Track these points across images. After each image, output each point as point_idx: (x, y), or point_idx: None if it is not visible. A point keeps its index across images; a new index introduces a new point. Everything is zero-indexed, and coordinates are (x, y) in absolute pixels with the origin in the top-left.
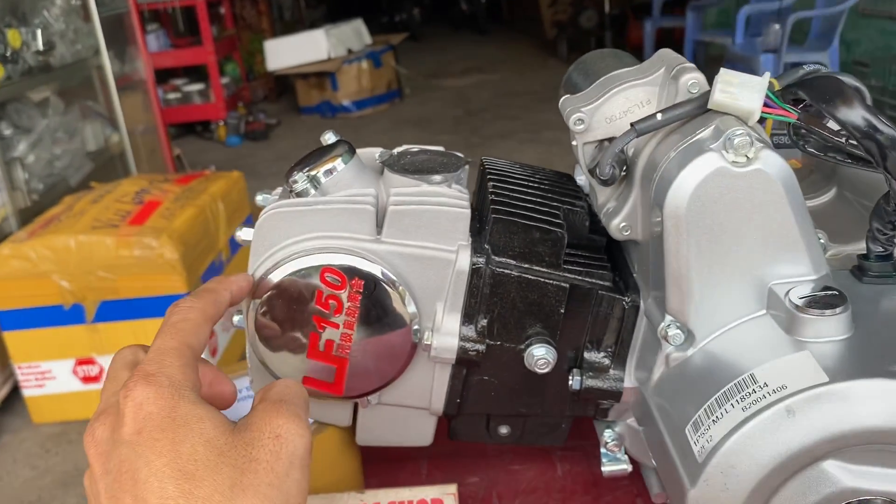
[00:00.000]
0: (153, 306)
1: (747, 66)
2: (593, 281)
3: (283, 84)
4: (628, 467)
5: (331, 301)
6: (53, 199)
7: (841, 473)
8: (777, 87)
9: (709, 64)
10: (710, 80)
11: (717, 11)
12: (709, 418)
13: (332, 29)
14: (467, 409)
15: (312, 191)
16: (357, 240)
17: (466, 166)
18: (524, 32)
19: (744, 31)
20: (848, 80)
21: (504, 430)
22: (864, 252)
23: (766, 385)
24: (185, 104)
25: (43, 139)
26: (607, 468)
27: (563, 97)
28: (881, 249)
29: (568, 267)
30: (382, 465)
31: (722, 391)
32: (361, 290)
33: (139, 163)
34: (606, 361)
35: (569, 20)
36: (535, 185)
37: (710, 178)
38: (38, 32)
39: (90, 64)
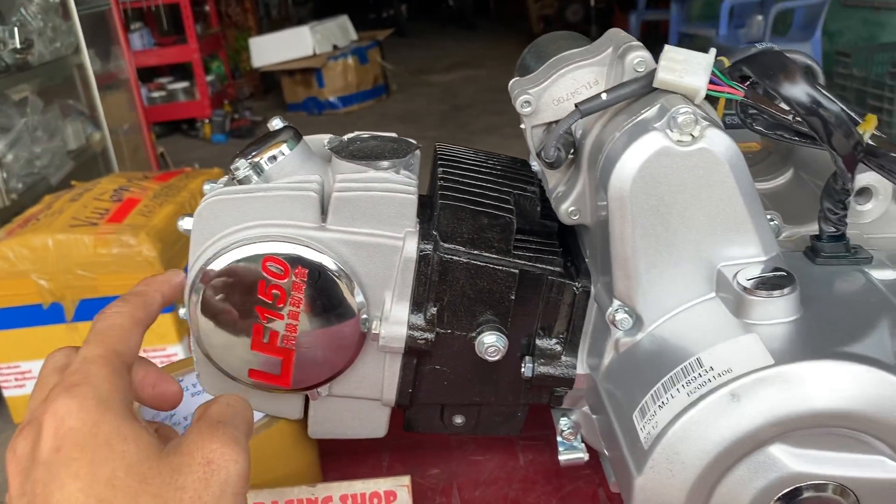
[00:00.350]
0: None
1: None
2: (543, 266)
3: (270, 81)
4: (584, 456)
5: (274, 291)
6: (34, 198)
7: (787, 458)
8: (727, 64)
9: None
10: None
11: (703, 3)
12: (655, 403)
13: (317, 25)
14: (420, 400)
15: (255, 178)
16: (300, 227)
17: (417, 152)
18: (511, 27)
19: (728, 23)
20: (799, 57)
21: (459, 419)
22: (818, 233)
23: (711, 369)
24: (169, 102)
25: (22, 138)
26: (563, 457)
27: (513, 80)
28: (833, 230)
29: (518, 253)
30: (343, 459)
31: (668, 376)
32: (305, 280)
33: (122, 161)
34: (558, 348)
35: (555, 15)
36: (487, 170)
37: (654, 158)
38: (16, 30)
39: (70, 62)
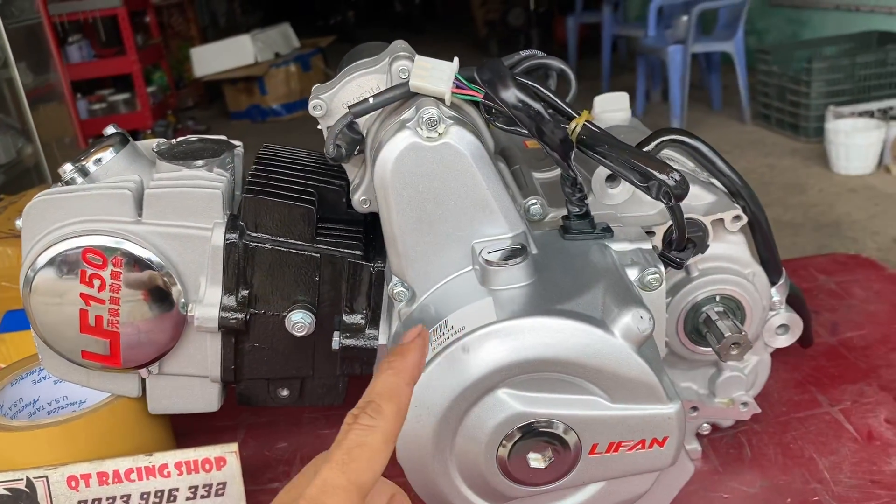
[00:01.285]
0: None
1: (658, 57)
2: (343, 251)
3: (214, 91)
4: None
5: (94, 279)
6: None
7: (512, 400)
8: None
9: (632, 57)
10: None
11: (640, 4)
12: None
13: (258, 34)
14: (245, 375)
15: (80, 179)
16: (117, 222)
17: (238, 151)
18: (458, 31)
19: (656, 24)
20: (555, 63)
21: (284, 392)
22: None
23: (452, 328)
24: (110, 114)
25: None
26: None
27: (314, 86)
28: (577, 210)
29: (321, 239)
30: (199, 438)
31: None
32: (122, 268)
33: (55, 174)
34: (362, 322)
35: (499, 19)
36: (299, 167)
37: (406, 152)
38: None
39: None
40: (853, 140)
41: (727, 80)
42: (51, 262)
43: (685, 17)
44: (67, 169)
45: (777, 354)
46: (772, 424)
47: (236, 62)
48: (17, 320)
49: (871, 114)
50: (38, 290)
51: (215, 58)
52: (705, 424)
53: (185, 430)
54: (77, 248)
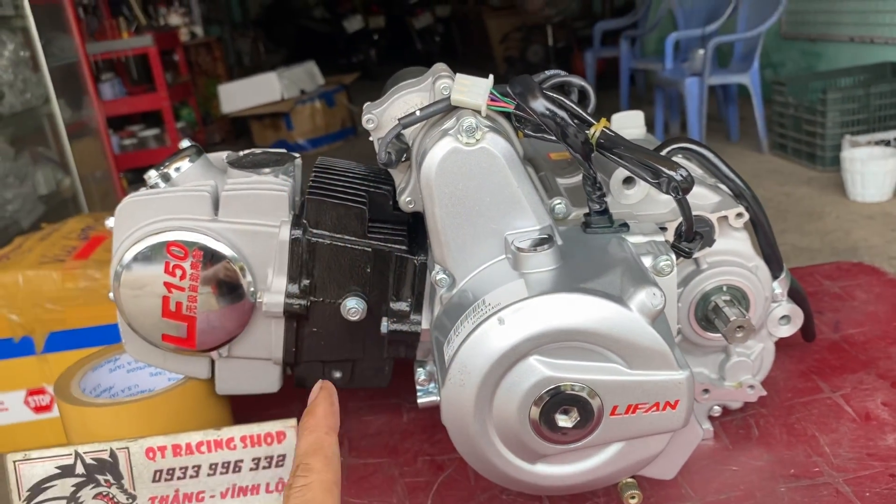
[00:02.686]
0: (100, 335)
1: (675, 89)
2: (391, 246)
3: (241, 126)
4: (437, 398)
5: (177, 269)
6: (5, 240)
7: (542, 366)
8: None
9: (650, 90)
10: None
11: (657, 39)
12: (455, 334)
13: (284, 71)
14: (303, 358)
15: (163, 184)
16: (197, 220)
17: (297, 161)
18: (477, 68)
19: (673, 57)
20: (576, 80)
21: (337, 374)
22: (588, 212)
23: (488, 305)
24: (140, 149)
25: None
26: (420, 400)
27: (365, 104)
28: (597, 207)
29: (372, 235)
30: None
31: (464, 314)
32: (201, 260)
33: (92, 205)
34: (407, 309)
35: (518, 55)
36: (352, 175)
37: (448, 156)
38: None
39: (40, 112)
40: (869, 168)
41: (744, 112)
42: (139, 255)
43: (701, 51)
44: (152, 175)
45: (782, 348)
46: (777, 408)
47: (263, 99)
48: (61, 341)
49: (886, 143)
50: (126, 281)
51: (242, 94)
52: (716, 407)
53: (241, 419)
54: (162, 241)
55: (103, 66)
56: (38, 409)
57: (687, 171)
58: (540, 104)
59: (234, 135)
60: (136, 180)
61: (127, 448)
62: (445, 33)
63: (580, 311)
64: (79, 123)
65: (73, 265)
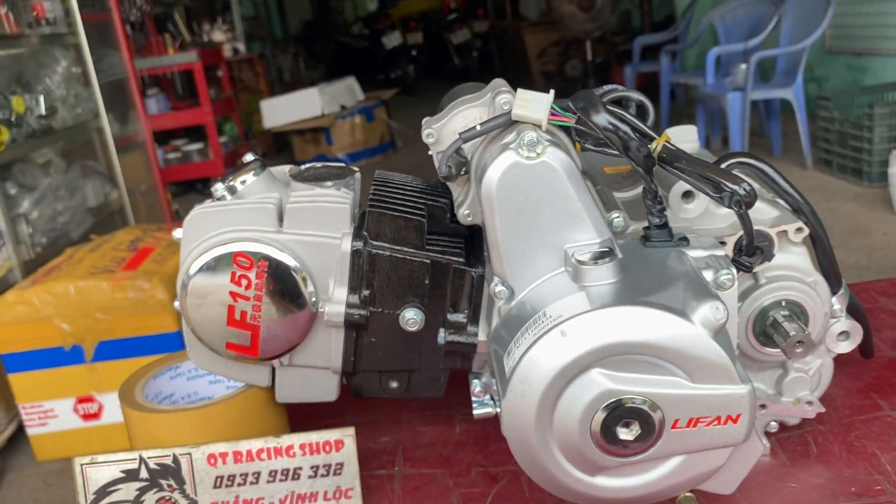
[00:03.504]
0: (148, 344)
1: (717, 104)
2: (448, 258)
3: (282, 141)
4: (493, 410)
5: (242, 279)
6: (56, 250)
7: (604, 379)
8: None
9: (690, 104)
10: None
11: (697, 54)
12: (516, 346)
13: (325, 87)
14: (362, 367)
15: (229, 197)
16: (262, 231)
17: (357, 175)
18: (515, 82)
19: (714, 72)
20: (635, 95)
21: (394, 384)
22: (648, 225)
23: (550, 317)
24: (184, 163)
25: (46, 196)
26: (476, 411)
27: (424, 118)
28: (657, 220)
29: (430, 248)
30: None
31: (525, 325)
32: (266, 270)
33: (138, 217)
34: (464, 320)
35: (556, 70)
36: (410, 188)
37: (510, 170)
38: (41, 98)
39: (90, 126)
40: None
41: (787, 127)
42: (206, 265)
43: (744, 65)
44: (219, 188)
45: (840, 365)
46: (836, 425)
47: (304, 114)
48: (110, 350)
49: None
50: (193, 290)
51: (284, 110)
52: (773, 423)
53: (297, 429)
54: (229, 252)
55: (149, 82)
56: (87, 416)
57: (750, 185)
58: (603, 118)
59: (276, 149)
60: (179, 193)
61: (189, 454)
62: (483, 49)
63: (643, 324)
64: (126, 137)
65: (123, 276)
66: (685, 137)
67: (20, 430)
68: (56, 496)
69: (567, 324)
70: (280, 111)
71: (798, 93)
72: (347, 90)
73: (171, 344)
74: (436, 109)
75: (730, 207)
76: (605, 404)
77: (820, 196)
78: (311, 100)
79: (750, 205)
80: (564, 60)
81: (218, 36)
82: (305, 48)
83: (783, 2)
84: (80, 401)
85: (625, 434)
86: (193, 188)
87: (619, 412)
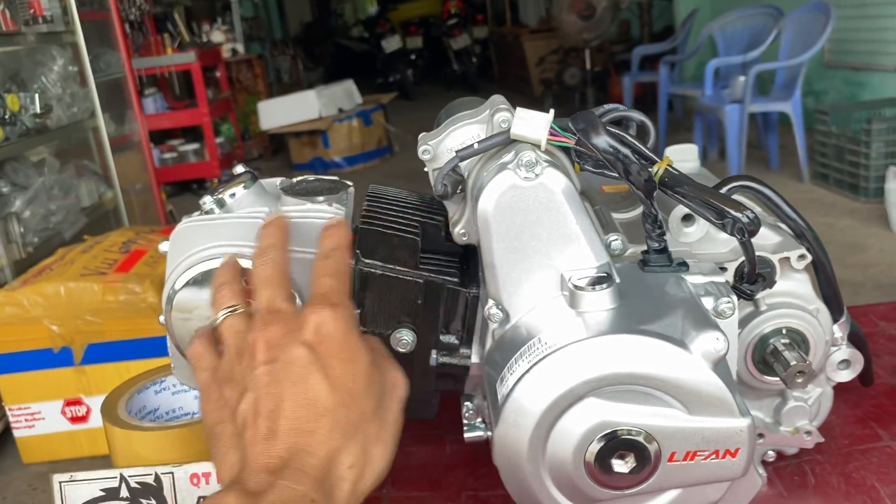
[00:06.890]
0: (138, 348)
1: (715, 116)
2: (443, 278)
3: (279, 142)
4: (485, 433)
5: None
6: (48, 250)
7: (599, 409)
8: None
9: (687, 115)
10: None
11: (696, 65)
12: (509, 372)
13: (323, 90)
14: None
15: (218, 210)
16: (251, 247)
17: (350, 190)
18: (513, 90)
19: (713, 84)
20: (636, 115)
21: None
22: (646, 249)
23: (545, 344)
24: (180, 163)
25: (39, 196)
26: (467, 435)
27: (421, 134)
28: (656, 245)
29: (423, 267)
30: None
31: (519, 352)
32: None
33: (133, 218)
34: (457, 342)
35: (554, 78)
36: (404, 205)
37: (507, 191)
38: (37, 97)
39: (86, 125)
40: None
41: (784, 140)
42: (192, 280)
43: (742, 78)
44: (207, 201)
45: (838, 392)
46: (834, 455)
47: (301, 116)
48: (99, 353)
49: None
50: (179, 305)
51: (281, 111)
52: (770, 452)
53: None
54: (216, 267)
55: (147, 81)
56: (75, 419)
57: (754, 212)
58: (603, 141)
59: (272, 150)
60: (174, 193)
61: (172, 473)
62: (482, 55)
63: (640, 353)
64: (122, 137)
65: (114, 278)
66: (686, 157)
67: (7, 431)
68: (41, 500)
69: (562, 351)
70: (277, 113)
71: (796, 106)
72: (345, 93)
73: (161, 348)
74: (434, 114)
75: (732, 235)
76: (601, 435)
77: (816, 211)
78: (309, 102)
79: (753, 233)
80: (563, 68)
81: (217, 36)
82: (305, 50)
83: (783, 15)
84: (69, 403)
85: (619, 466)
86: (188, 188)
87: (614, 444)
